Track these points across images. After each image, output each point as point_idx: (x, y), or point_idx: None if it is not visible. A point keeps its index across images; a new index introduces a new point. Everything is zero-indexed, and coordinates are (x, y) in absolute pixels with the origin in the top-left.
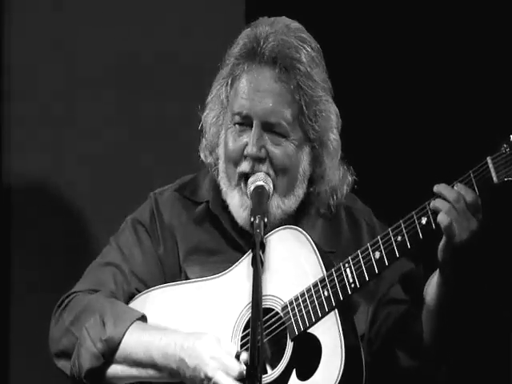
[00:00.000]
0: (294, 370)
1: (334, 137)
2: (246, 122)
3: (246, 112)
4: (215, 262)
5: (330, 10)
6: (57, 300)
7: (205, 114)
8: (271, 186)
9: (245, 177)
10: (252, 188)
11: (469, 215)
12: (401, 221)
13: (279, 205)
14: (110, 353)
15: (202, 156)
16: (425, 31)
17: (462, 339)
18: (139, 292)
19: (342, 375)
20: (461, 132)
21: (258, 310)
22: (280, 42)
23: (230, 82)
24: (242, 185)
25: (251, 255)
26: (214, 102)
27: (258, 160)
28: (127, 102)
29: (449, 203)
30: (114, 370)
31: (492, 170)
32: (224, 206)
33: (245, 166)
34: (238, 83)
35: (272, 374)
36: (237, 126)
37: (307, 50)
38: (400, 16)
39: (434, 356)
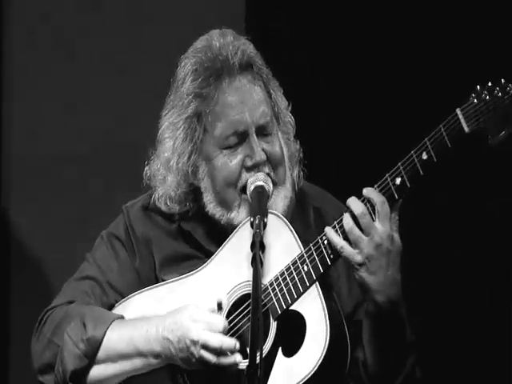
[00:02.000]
0: (280, 349)
1: (289, 115)
2: (239, 139)
3: (242, 128)
4: (191, 265)
5: (327, 9)
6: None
7: (163, 162)
8: (271, 185)
9: (244, 192)
10: (252, 188)
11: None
12: (371, 187)
13: (286, 195)
14: (92, 352)
15: (164, 209)
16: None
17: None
18: (115, 304)
19: (329, 345)
20: (429, 90)
21: (258, 308)
22: (240, 47)
23: (199, 115)
24: (243, 200)
25: (230, 244)
26: (180, 145)
27: (261, 164)
28: (126, 106)
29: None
30: (98, 370)
31: (462, 121)
32: (195, 220)
33: (249, 176)
34: (218, 107)
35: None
36: (225, 150)
37: (248, 42)
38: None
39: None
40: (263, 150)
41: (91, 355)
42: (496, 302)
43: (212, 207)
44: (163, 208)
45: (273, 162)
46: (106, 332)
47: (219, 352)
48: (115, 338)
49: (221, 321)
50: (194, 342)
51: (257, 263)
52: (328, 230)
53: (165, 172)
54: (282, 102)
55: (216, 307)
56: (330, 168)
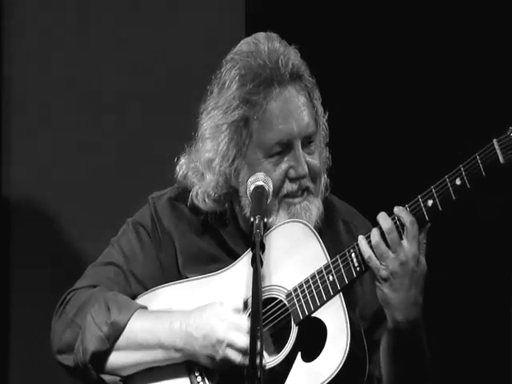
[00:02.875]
0: (299, 353)
1: (323, 120)
2: (284, 148)
3: (287, 138)
4: (215, 269)
5: (328, 9)
6: (57, 300)
7: (215, 163)
8: (271, 185)
9: (285, 197)
10: (252, 188)
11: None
12: (403, 206)
13: (318, 206)
14: (114, 336)
15: (202, 206)
16: (405, 22)
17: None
18: (138, 295)
19: (348, 354)
20: (466, 119)
21: (258, 310)
22: (289, 56)
23: (246, 121)
24: (283, 204)
25: (250, 253)
26: (225, 148)
27: (304, 177)
28: (129, 114)
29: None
30: (119, 356)
31: (498, 152)
32: (223, 220)
33: (291, 187)
34: (266, 115)
35: (276, 357)
36: (269, 159)
37: (296, 53)
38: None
39: None
40: (306, 162)
41: (113, 339)
42: (496, 306)
43: (250, 211)
44: (201, 205)
45: (313, 174)
46: (129, 319)
47: (244, 352)
48: (138, 327)
49: (246, 322)
50: (220, 341)
51: (257, 263)
52: (361, 238)
53: (204, 170)
54: (320, 109)
55: (242, 306)
56: (358, 187)
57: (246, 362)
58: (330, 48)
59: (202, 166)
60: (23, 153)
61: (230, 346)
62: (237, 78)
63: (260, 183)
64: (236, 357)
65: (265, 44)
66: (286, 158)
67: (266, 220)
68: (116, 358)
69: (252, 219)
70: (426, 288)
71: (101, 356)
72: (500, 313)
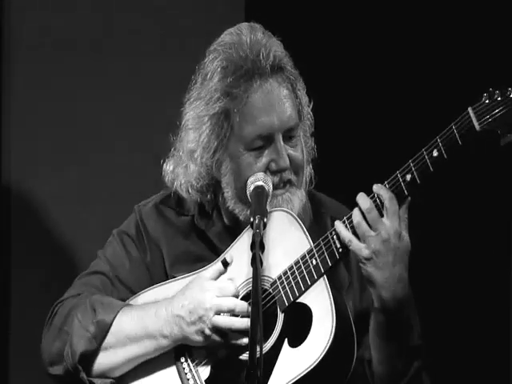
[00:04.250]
0: (286, 340)
1: (308, 110)
2: (265, 141)
3: (267, 132)
4: (202, 268)
5: (328, 8)
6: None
7: (197, 154)
8: (270, 185)
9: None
10: (252, 188)
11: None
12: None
13: (301, 198)
14: (101, 335)
15: (185, 196)
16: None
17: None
18: (125, 299)
19: (334, 336)
20: (441, 89)
21: (258, 308)
22: (271, 48)
23: (226, 114)
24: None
25: (238, 244)
26: (207, 140)
27: (285, 169)
28: (127, 112)
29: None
30: (108, 355)
31: (474, 119)
32: (208, 221)
33: (275, 180)
34: (246, 108)
35: (263, 346)
36: (251, 152)
37: (278, 45)
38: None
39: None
40: (288, 155)
41: (100, 338)
42: (495, 305)
43: (233, 203)
44: (185, 195)
45: (295, 167)
46: (115, 316)
47: (233, 314)
48: (124, 321)
49: (231, 284)
50: (207, 309)
51: (257, 263)
52: (338, 223)
53: (187, 161)
54: (304, 99)
55: (222, 267)
56: (340, 167)
57: (236, 325)
58: (331, 47)
59: (185, 156)
60: (23, 145)
61: (218, 311)
62: (218, 69)
63: (260, 183)
64: (225, 321)
65: (247, 35)
66: (267, 152)
67: (265, 220)
68: (105, 358)
69: (252, 219)
70: (424, 281)
71: (90, 356)
72: (499, 308)
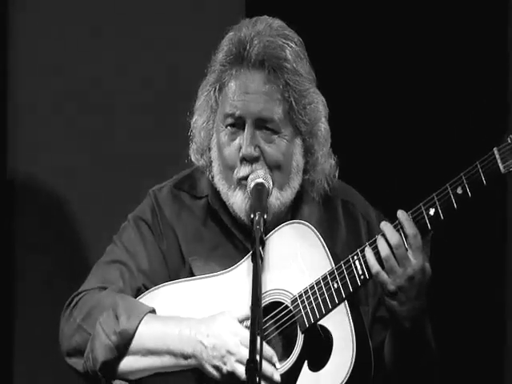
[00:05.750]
0: (306, 362)
1: (323, 126)
2: (238, 123)
3: (238, 113)
4: (217, 256)
5: (325, 8)
6: (61, 300)
7: (194, 119)
8: (271, 183)
9: (244, 179)
10: (252, 185)
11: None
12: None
13: (278, 197)
14: (124, 345)
15: (193, 159)
16: (410, 25)
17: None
18: (146, 287)
19: (354, 365)
20: (465, 126)
21: (258, 305)
22: (265, 43)
23: (218, 87)
24: (242, 184)
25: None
26: (203, 107)
27: (252, 160)
28: (129, 107)
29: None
30: (128, 362)
31: (499, 161)
32: (222, 202)
33: (243, 171)
34: (228, 87)
35: (283, 365)
36: (229, 128)
37: (291, 47)
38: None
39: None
40: (259, 146)
41: (122, 348)
42: (489, 307)
43: (218, 178)
44: (192, 158)
45: (270, 163)
46: (138, 326)
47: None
48: (147, 333)
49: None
50: (231, 353)
51: (257, 259)
52: (367, 250)
53: (193, 125)
54: (314, 113)
55: (250, 313)
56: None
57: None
58: (332, 48)
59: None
60: (28, 139)
61: (240, 361)
62: (224, 48)
63: (260, 180)
64: (244, 374)
65: (255, 26)
66: (239, 137)
67: (265, 216)
68: (125, 364)
69: (252, 216)
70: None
71: (111, 364)
72: (494, 311)
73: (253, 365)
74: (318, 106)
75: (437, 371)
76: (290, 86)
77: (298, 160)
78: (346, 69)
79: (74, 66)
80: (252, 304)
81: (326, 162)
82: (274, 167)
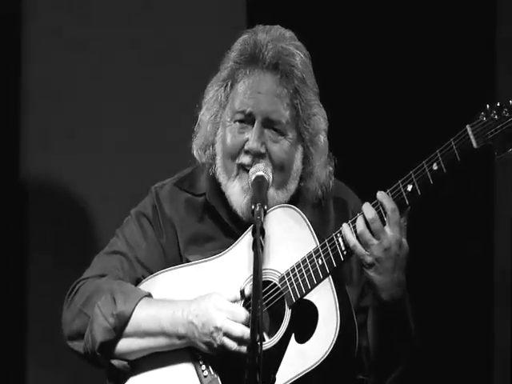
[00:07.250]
0: (293, 335)
1: (323, 138)
2: (247, 120)
3: (249, 110)
4: (212, 248)
5: (326, 13)
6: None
7: (201, 113)
8: (271, 176)
9: (243, 168)
10: (253, 178)
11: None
12: (384, 191)
13: (274, 196)
14: (120, 326)
15: (195, 155)
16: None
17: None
18: (144, 278)
19: (338, 335)
20: (441, 104)
21: (258, 291)
22: (279, 48)
23: (230, 83)
24: (241, 174)
25: (248, 235)
26: (212, 101)
27: (258, 155)
28: (134, 103)
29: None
30: (125, 343)
31: (472, 137)
32: (221, 198)
33: (245, 159)
34: (240, 85)
35: (271, 340)
36: (237, 123)
37: (301, 57)
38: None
39: (379, 371)
40: (265, 144)
41: (119, 329)
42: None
43: (219, 171)
44: (195, 154)
45: (274, 162)
46: (134, 308)
47: (240, 340)
48: (143, 316)
49: (243, 312)
50: (218, 329)
51: (257, 248)
52: (345, 226)
53: (200, 120)
54: (317, 125)
55: (239, 295)
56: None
57: (242, 349)
58: (331, 49)
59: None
60: (40, 137)
61: (227, 334)
62: (238, 47)
63: (260, 173)
64: (232, 345)
65: (270, 32)
66: (247, 131)
67: (265, 207)
68: (123, 345)
69: (253, 207)
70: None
71: (109, 345)
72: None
73: (254, 345)
74: (321, 118)
75: (414, 356)
76: (298, 93)
77: (297, 165)
78: (334, 66)
79: (85, 70)
80: (253, 290)
81: (322, 172)
82: (277, 166)
